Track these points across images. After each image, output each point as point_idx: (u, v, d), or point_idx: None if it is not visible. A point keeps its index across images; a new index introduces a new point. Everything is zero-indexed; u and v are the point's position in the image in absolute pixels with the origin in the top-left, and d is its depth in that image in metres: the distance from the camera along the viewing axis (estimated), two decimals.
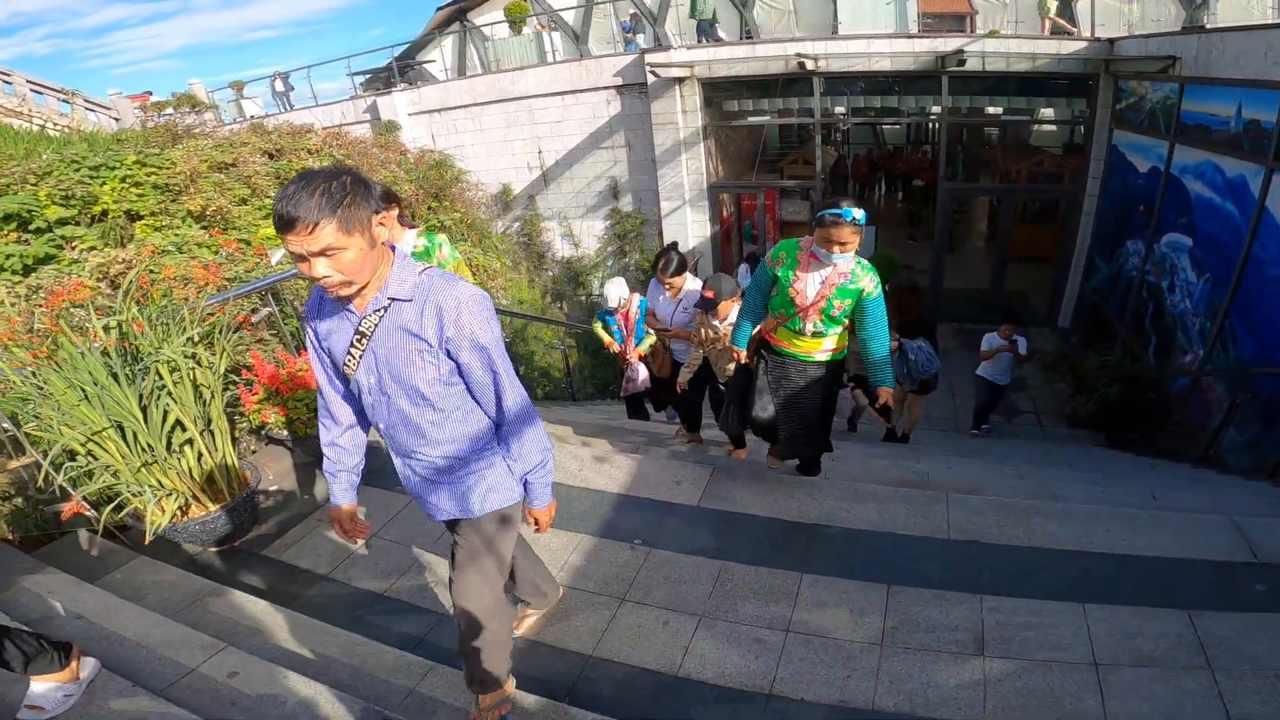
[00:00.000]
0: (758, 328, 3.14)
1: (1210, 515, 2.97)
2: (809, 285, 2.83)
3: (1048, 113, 10.79)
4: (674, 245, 4.12)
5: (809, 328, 2.89)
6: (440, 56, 16.09)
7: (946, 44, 9.62)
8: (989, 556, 2.73)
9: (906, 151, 15.83)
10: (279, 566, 3.08)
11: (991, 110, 10.85)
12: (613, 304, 4.49)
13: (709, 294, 3.47)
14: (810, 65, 9.96)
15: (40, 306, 3.67)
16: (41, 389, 2.71)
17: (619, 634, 2.51)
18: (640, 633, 2.50)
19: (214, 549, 3.18)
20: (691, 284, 4.09)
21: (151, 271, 4.65)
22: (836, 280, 2.77)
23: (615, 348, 4.70)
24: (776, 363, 3.10)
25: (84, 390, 2.66)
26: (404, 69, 14.90)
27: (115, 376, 2.70)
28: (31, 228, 5.25)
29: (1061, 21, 10.12)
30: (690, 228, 11.87)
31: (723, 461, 3.84)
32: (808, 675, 2.24)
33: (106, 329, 2.75)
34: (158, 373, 2.75)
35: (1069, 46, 9.28)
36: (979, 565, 2.68)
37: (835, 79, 10.45)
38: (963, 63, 9.41)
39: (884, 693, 2.15)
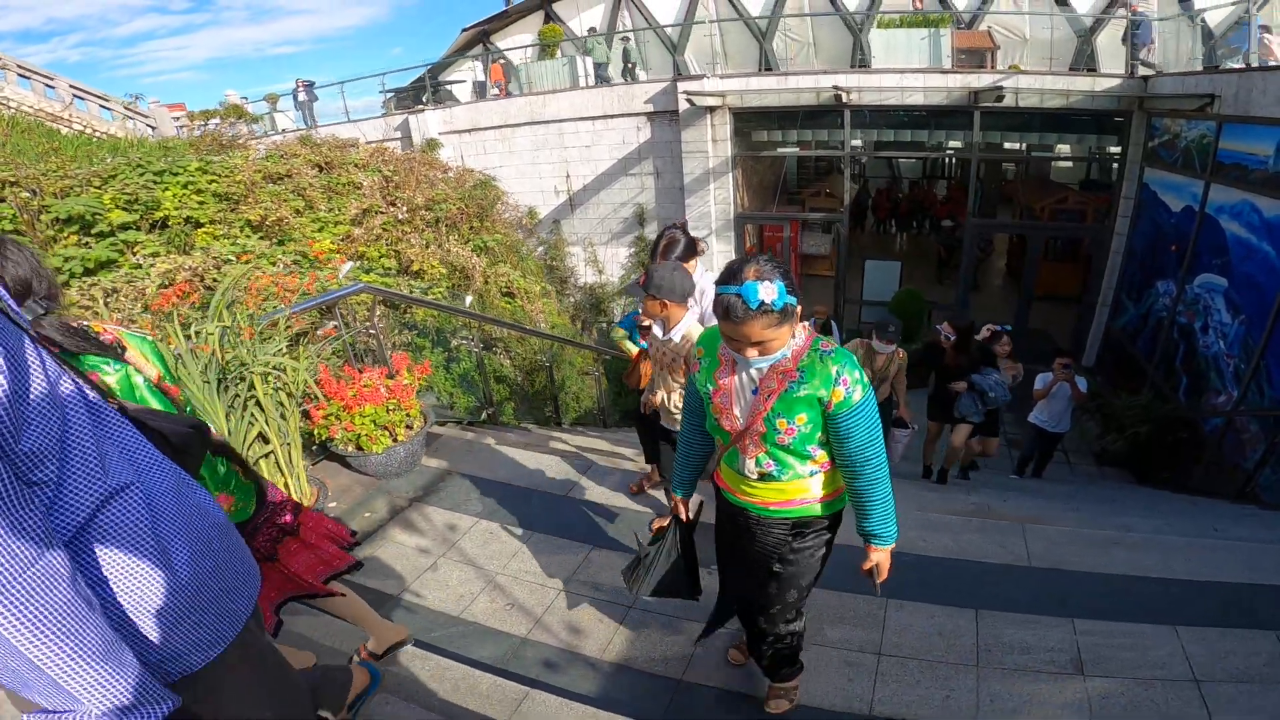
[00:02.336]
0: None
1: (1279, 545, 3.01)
2: (735, 398, 1.79)
3: (1078, 150, 10.92)
4: (682, 225, 3.37)
5: (750, 466, 1.82)
6: (469, 76, 16.46)
7: (980, 79, 9.80)
8: (1073, 582, 2.75)
9: (924, 185, 15.99)
10: (347, 584, 3.07)
11: (1022, 146, 10.98)
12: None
13: (642, 277, 2.61)
14: (844, 98, 10.14)
15: (107, 312, 3.73)
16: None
17: (708, 658, 2.51)
18: (728, 658, 2.51)
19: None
20: (706, 280, 3.20)
21: (215, 280, 4.76)
22: (777, 385, 1.70)
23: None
24: (727, 515, 2.06)
25: None
26: (433, 89, 15.22)
27: (210, 385, 2.74)
28: (94, 231, 5.35)
29: None
30: (715, 258, 11.96)
31: None
32: (906, 695, 2.25)
33: (202, 335, 2.79)
34: (250, 383, 2.79)
35: (1103, 84, 9.43)
36: (1065, 591, 2.70)
37: (865, 111, 10.63)
38: (1001, 98, 9.56)
39: (986, 711, 2.17)
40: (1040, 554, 2.92)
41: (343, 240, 5.79)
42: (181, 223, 5.51)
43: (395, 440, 3.64)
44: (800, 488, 1.84)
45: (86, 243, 5.32)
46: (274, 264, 5.09)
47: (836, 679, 2.33)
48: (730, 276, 1.61)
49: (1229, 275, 7.00)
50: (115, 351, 1.62)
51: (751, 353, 1.65)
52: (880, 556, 1.89)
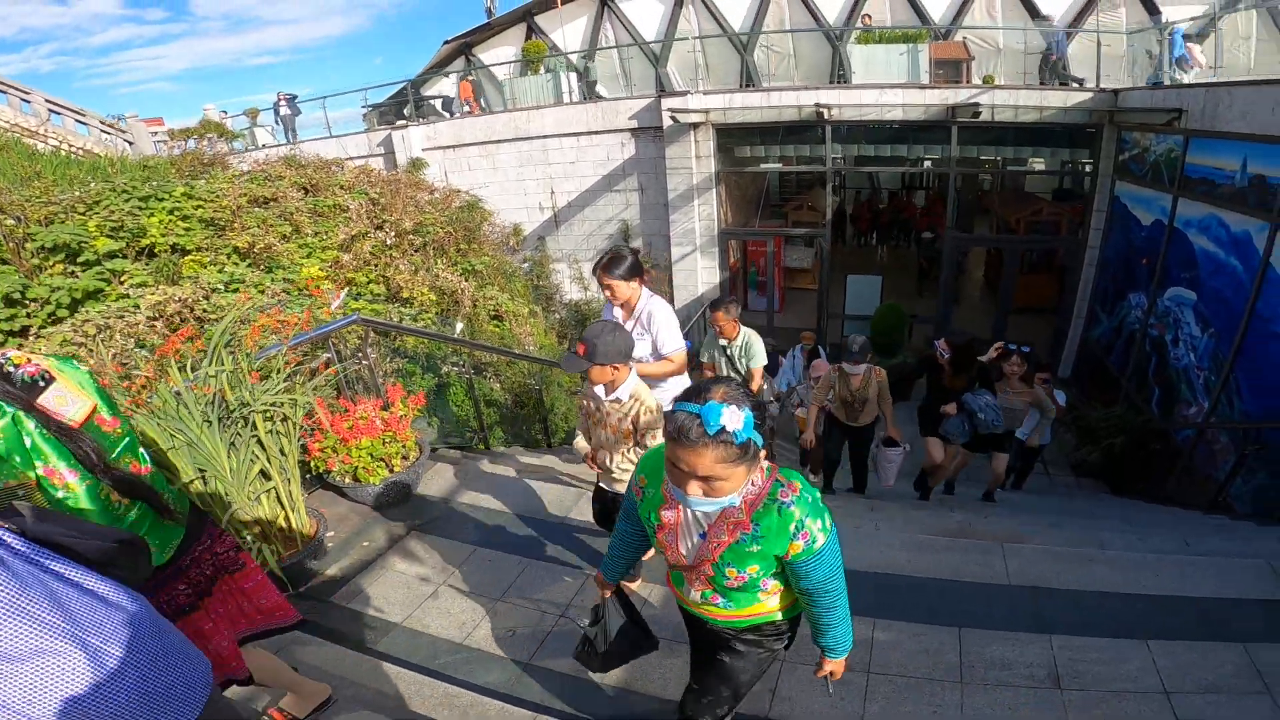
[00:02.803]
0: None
1: (1249, 560, 3.17)
2: (680, 536, 1.63)
3: (1053, 163, 11.19)
4: (633, 250, 3.18)
5: (695, 596, 1.71)
6: (453, 91, 16.51)
7: (957, 94, 10.04)
8: (1051, 600, 2.88)
9: (904, 198, 16.28)
10: (351, 614, 3.11)
11: (997, 160, 11.24)
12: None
13: (580, 347, 2.44)
14: (826, 114, 10.35)
15: (104, 349, 3.75)
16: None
17: None
18: None
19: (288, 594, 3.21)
20: (655, 304, 3.11)
21: (205, 311, 4.77)
22: (727, 536, 1.53)
23: None
24: (678, 605, 1.94)
25: (175, 438, 2.71)
26: (415, 103, 15.25)
27: (209, 425, 2.77)
28: (80, 260, 5.33)
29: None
30: (700, 274, 12.12)
31: None
32: (894, 712, 2.35)
33: (201, 377, 2.82)
34: (252, 422, 2.83)
35: (1075, 97, 9.69)
36: (1043, 608, 2.83)
37: (846, 126, 10.85)
38: (977, 114, 9.81)
39: None
40: (1018, 572, 3.04)
41: (331, 266, 5.82)
42: (168, 250, 5.52)
43: (392, 471, 3.69)
44: (755, 609, 1.71)
45: (73, 272, 5.30)
46: (263, 292, 5.11)
47: (826, 698, 2.41)
48: (692, 394, 1.40)
49: (1198, 289, 7.23)
50: (18, 396, 1.48)
51: (695, 489, 1.41)
52: (835, 666, 1.83)
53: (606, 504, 2.90)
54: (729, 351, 4.53)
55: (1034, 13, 13.04)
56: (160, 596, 1.75)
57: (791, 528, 1.48)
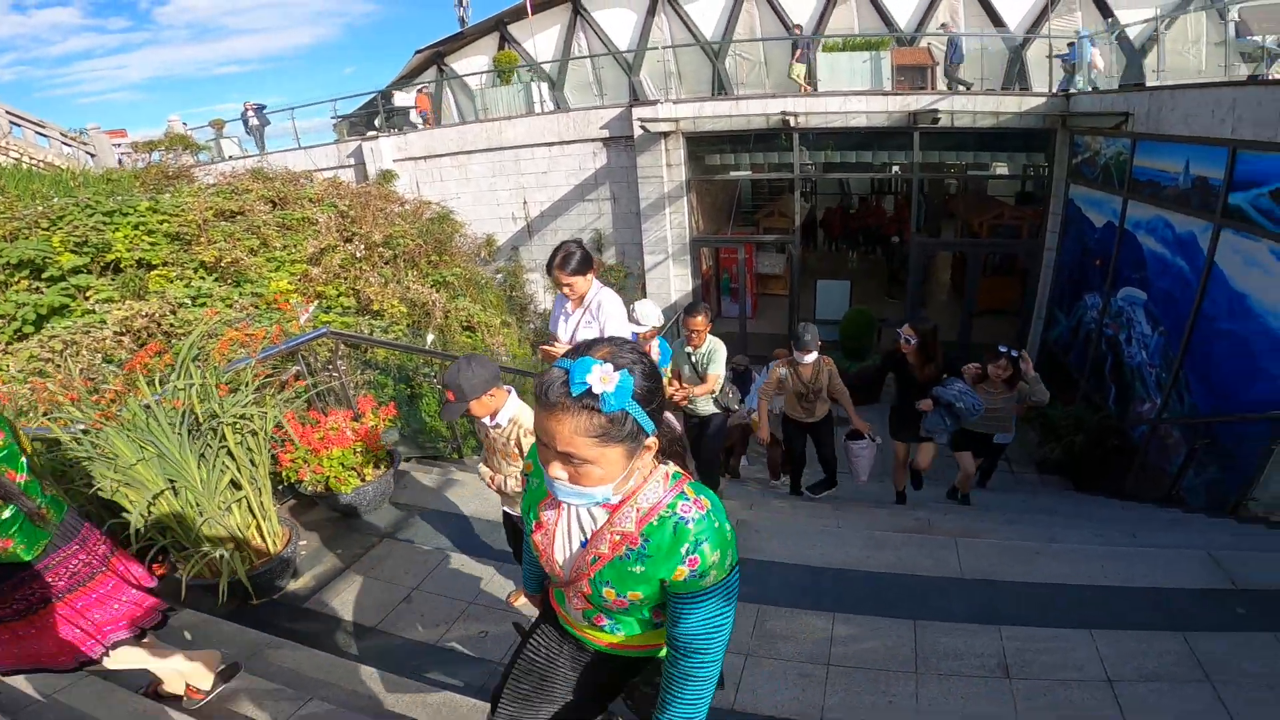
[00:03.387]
0: None
1: (1190, 550, 3.33)
2: (558, 543, 1.39)
3: (1011, 167, 11.52)
4: (578, 241, 3.24)
5: (577, 615, 1.48)
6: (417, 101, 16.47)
7: (918, 101, 10.32)
8: (1001, 592, 3.01)
9: (873, 203, 16.61)
10: (325, 619, 3.16)
11: (958, 165, 11.55)
12: (646, 324, 3.76)
13: (449, 394, 2.44)
14: (792, 122, 10.56)
15: (72, 365, 3.73)
16: (95, 447, 2.79)
17: None
18: None
19: (254, 602, 3.23)
20: (605, 294, 3.25)
21: (172, 325, 4.75)
22: (609, 550, 1.30)
23: None
24: (549, 635, 1.64)
25: (145, 450, 2.74)
26: (388, 113, 15.21)
27: (179, 437, 2.80)
28: (45, 276, 5.27)
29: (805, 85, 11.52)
30: (673, 282, 12.25)
31: (744, 514, 4.08)
32: (853, 702, 2.46)
33: (171, 390, 2.85)
34: (222, 434, 2.86)
35: (1029, 102, 10.01)
36: (993, 600, 2.96)
37: (813, 134, 11.08)
38: (936, 120, 10.10)
39: (924, 713, 2.38)
40: (971, 566, 3.18)
41: (300, 280, 5.82)
42: (134, 265, 5.47)
43: (363, 480, 3.72)
44: (645, 639, 1.48)
45: (38, 288, 5.24)
46: (230, 307, 5.10)
47: (791, 690, 2.52)
48: (572, 350, 1.18)
49: (1148, 289, 7.51)
50: None
51: (556, 468, 1.18)
52: None
53: (514, 526, 2.95)
54: (693, 359, 4.47)
55: (995, 19, 13.47)
56: (19, 591, 1.95)
57: (684, 548, 1.20)
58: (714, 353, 4.38)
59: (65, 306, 5.11)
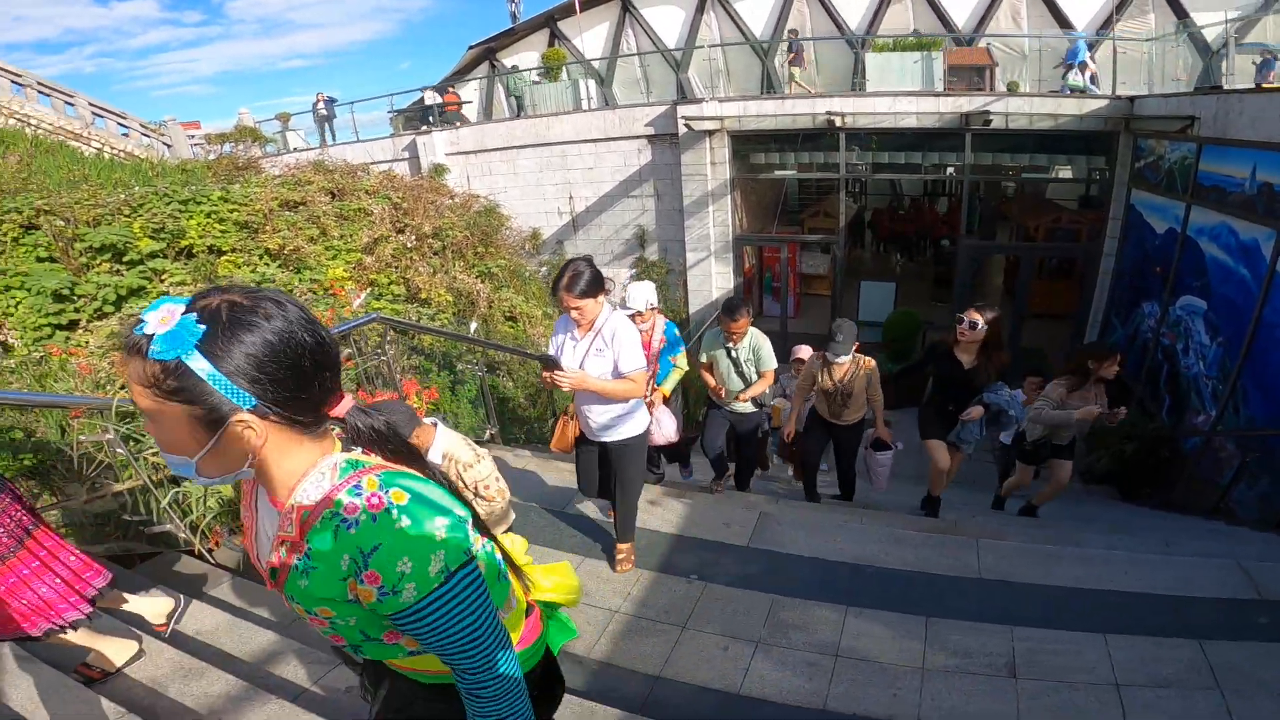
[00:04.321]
0: None
1: (1218, 559, 3.28)
2: (258, 552, 1.15)
3: (1068, 171, 11.17)
4: (587, 259, 2.89)
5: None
6: (475, 96, 16.89)
7: (971, 102, 10.10)
8: (1018, 594, 3.02)
9: (924, 204, 16.27)
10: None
11: (1013, 167, 11.24)
12: (633, 307, 3.78)
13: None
14: (838, 122, 10.46)
15: None
16: None
17: (683, 657, 2.79)
18: (702, 656, 2.79)
19: None
20: (618, 320, 2.85)
21: None
22: (278, 561, 1.01)
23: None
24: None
25: None
26: (439, 109, 15.58)
27: None
28: (125, 259, 5.71)
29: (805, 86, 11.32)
30: (714, 279, 12.28)
31: (768, 507, 4.15)
32: (857, 693, 2.52)
33: None
34: None
35: (1090, 105, 9.70)
36: (1009, 601, 2.97)
37: (861, 134, 10.95)
38: (989, 123, 9.87)
39: (928, 708, 2.43)
40: (990, 567, 3.19)
41: (355, 268, 6.14)
42: (205, 251, 5.87)
43: None
44: (423, 662, 1.18)
45: (118, 270, 5.68)
46: (291, 292, 5.42)
47: (796, 678, 2.61)
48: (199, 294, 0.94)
49: (1208, 297, 7.24)
50: None
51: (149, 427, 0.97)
52: None
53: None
54: (734, 354, 4.16)
55: (1061, 20, 13.03)
56: None
57: (344, 561, 0.93)
58: (761, 348, 4.13)
59: (142, 288, 5.54)
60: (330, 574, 0.95)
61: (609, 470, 3.25)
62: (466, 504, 1.07)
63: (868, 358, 4.30)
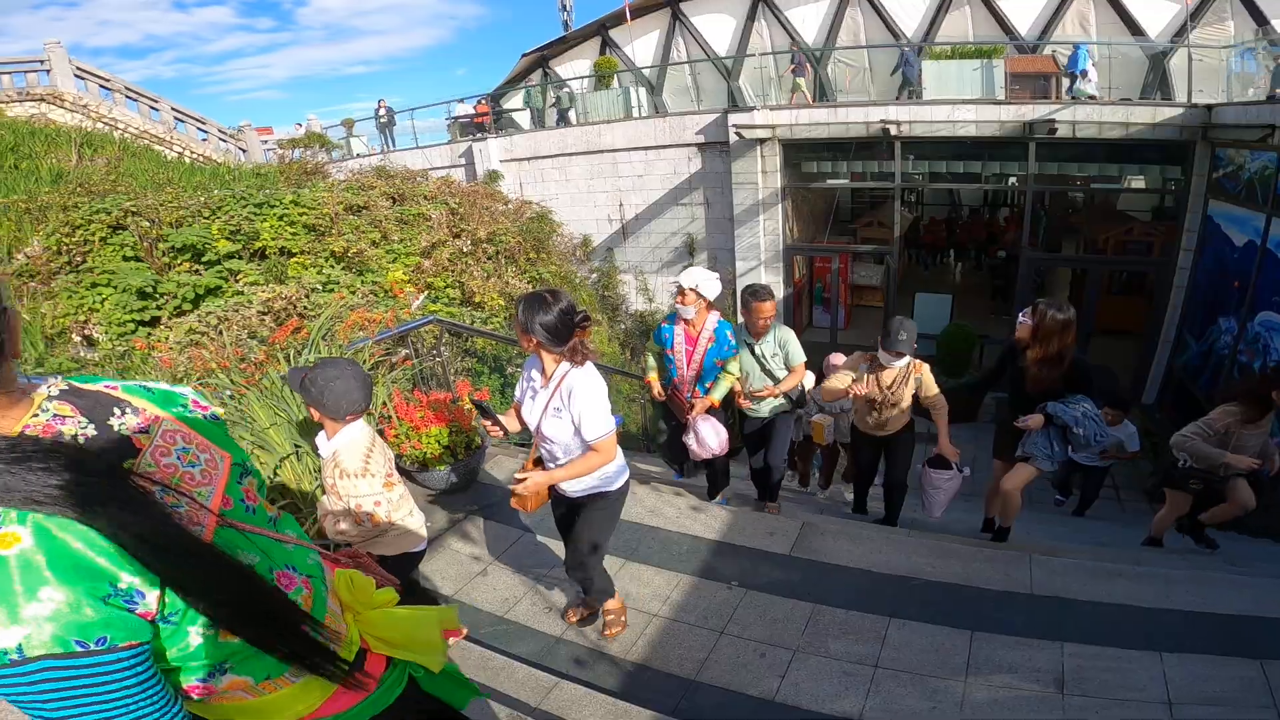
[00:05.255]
0: None
1: None
2: None
3: (1139, 181, 10.74)
4: (552, 292, 2.30)
5: None
6: (525, 104, 17.24)
7: (1035, 110, 9.79)
8: (1071, 610, 2.93)
9: (987, 217, 15.79)
10: (408, 585, 3.47)
11: (1081, 177, 10.83)
12: (686, 284, 3.42)
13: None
14: (893, 131, 10.30)
15: (227, 336, 4.34)
16: (239, 410, 3.26)
17: (720, 662, 2.81)
18: (739, 662, 2.80)
19: None
20: (579, 377, 2.31)
21: (306, 308, 5.37)
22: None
23: (655, 390, 3.75)
24: None
25: (278, 416, 3.18)
26: (494, 116, 16.01)
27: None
28: (203, 259, 6.09)
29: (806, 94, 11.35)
30: None
31: (811, 517, 4.11)
32: (895, 705, 2.50)
33: (307, 364, 3.29)
34: None
35: (1164, 113, 9.29)
36: (1061, 617, 2.89)
37: (917, 143, 10.75)
38: (1054, 131, 9.55)
39: None
40: (1043, 582, 3.10)
41: (413, 271, 6.39)
42: (277, 253, 6.21)
43: (456, 459, 4.08)
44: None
45: (197, 270, 6.07)
46: (354, 293, 5.69)
47: (832, 687, 2.60)
48: None
49: None
50: None
51: None
52: None
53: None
54: (758, 350, 3.77)
55: (1134, 28, 12.53)
56: None
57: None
58: (789, 342, 3.76)
59: (219, 287, 5.89)
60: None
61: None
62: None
63: (921, 362, 3.80)
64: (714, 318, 3.56)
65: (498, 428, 2.47)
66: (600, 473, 2.46)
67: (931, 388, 3.76)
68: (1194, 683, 2.45)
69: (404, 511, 2.39)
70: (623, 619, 2.98)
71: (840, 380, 3.79)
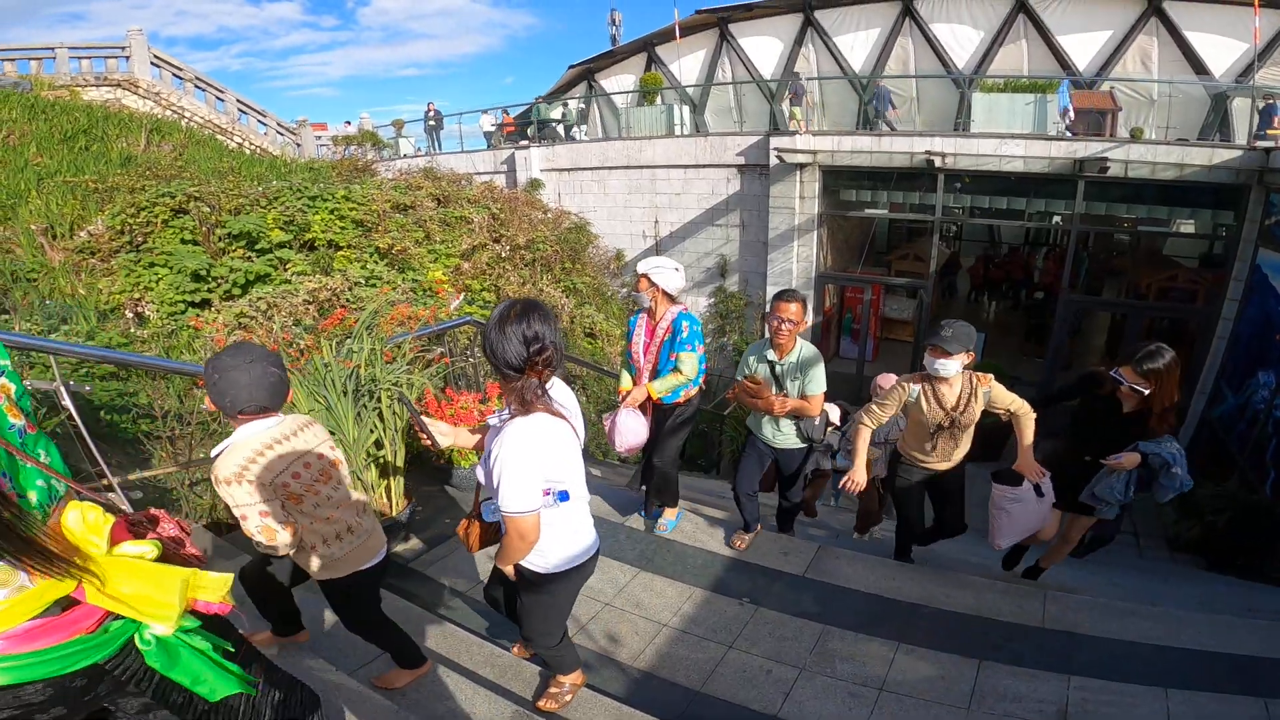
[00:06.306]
0: None
1: None
2: None
3: (1188, 225, 10.48)
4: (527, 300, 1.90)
5: None
6: (567, 115, 17.50)
7: (1088, 148, 9.64)
8: (1081, 645, 2.94)
9: (1026, 255, 15.53)
10: (426, 580, 3.51)
11: (1128, 219, 10.61)
12: (639, 270, 3.31)
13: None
14: (938, 162, 10.25)
15: (276, 322, 4.54)
16: None
17: (726, 675, 2.85)
18: (745, 677, 2.84)
19: None
20: (512, 446, 1.78)
21: (349, 300, 5.58)
22: None
23: (623, 396, 3.55)
24: None
25: (316, 402, 3.31)
26: (538, 125, 16.29)
27: (345, 393, 3.36)
28: (256, 247, 6.36)
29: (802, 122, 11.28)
30: None
31: (827, 540, 4.13)
32: None
33: (346, 352, 3.45)
34: (377, 396, 3.40)
35: (1221, 155, 9.08)
36: (1070, 651, 2.89)
37: (962, 175, 10.67)
38: (1105, 170, 9.41)
39: None
40: (1055, 617, 3.11)
41: (452, 272, 6.58)
42: (325, 245, 6.45)
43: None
44: None
45: (249, 257, 6.33)
46: (395, 289, 5.89)
47: (836, 707, 2.63)
48: None
49: None
50: None
51: None
52: None
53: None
54: (779, 368, 3.36)
55: (1197, 66, 12.30)
56: None
57: None
58: (812, 366, 3.31)
59: (268, 274, 6.14)
60: None
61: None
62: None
63: (983, 373, 3.12)
64: (675, 310, 3.39)
65: (425, 435, 2.24)
66: (537, 548, 1.98)
67: (1008, 396, 3.09)
68: (1197, 719, 2.44)
69: (339, 528, 2.08)
70: (567, 699, 2.44)
71: (861, 457, 3.25)
